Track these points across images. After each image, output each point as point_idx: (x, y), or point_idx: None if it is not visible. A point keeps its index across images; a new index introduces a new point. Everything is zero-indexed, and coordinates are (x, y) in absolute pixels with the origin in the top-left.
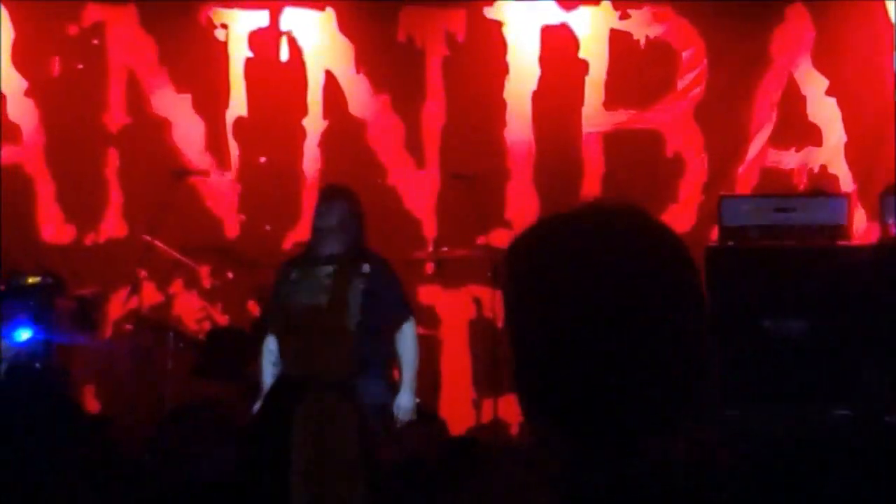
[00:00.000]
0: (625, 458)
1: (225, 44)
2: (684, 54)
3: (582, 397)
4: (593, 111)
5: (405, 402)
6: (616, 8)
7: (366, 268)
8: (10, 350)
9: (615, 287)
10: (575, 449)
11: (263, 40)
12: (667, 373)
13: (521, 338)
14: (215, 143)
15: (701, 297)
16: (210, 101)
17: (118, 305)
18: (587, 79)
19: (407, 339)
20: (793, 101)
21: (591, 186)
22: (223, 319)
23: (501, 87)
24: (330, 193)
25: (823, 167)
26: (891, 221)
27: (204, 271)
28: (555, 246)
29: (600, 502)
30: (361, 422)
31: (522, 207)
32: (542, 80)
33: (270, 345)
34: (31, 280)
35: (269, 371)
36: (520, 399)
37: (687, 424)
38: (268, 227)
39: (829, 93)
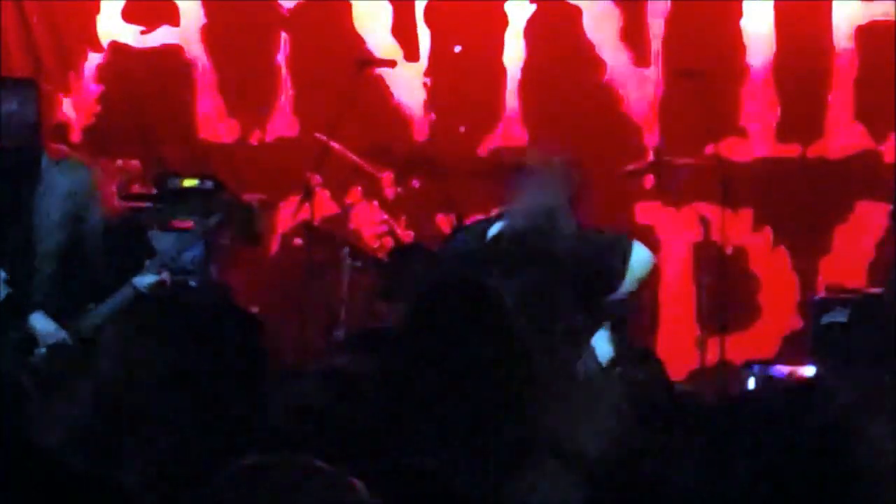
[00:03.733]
0: None
1: None
2: None
3: None
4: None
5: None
6: None
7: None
8: (162, 264)
9: None
10: None
11: None
12: None
13: None
14: (403, 28)
15: None
16: None
17: (287, 216)
18: None
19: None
20: None
21: (841, 88)
22: (407, 235)
23: None
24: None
25: None
26: None
27: (386, 178)
28: None
29: None
30: None
31: (760, 111)
32: None
33: None
34: (187, 183)
35: None
36: None
37: None
38: (462, 129)
39: None
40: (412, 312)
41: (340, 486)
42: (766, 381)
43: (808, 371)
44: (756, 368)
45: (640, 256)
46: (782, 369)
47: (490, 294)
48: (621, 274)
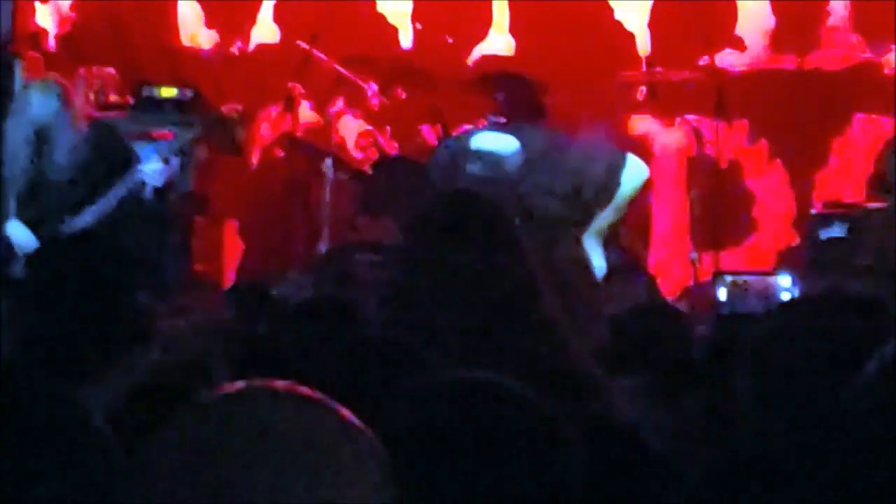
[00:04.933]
0: None
1: None
2: None
3: None
4: None
5: None
6: None
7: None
8: (137, 175)
9: None
10: None
11: None
12: None
13: None
14: None
15: None
16: None
17: (268, 126)
18: None
19: None
20: None
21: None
22: (392, 146)
23: None
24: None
25: None
26: None
27: (371, 88)
28: None
29: None
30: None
31: (757, 21)
32: None
33: None
34: (165, 93)
35: None
36: None
37: None
38: (450, 39)
39: None
40: (414, 225)
41: (325, 414)
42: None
43: (782, 280)
44: (727, 279)
45: (633, 170)
46: (754, 279)
47: (492, 206)
48: (614, 187)
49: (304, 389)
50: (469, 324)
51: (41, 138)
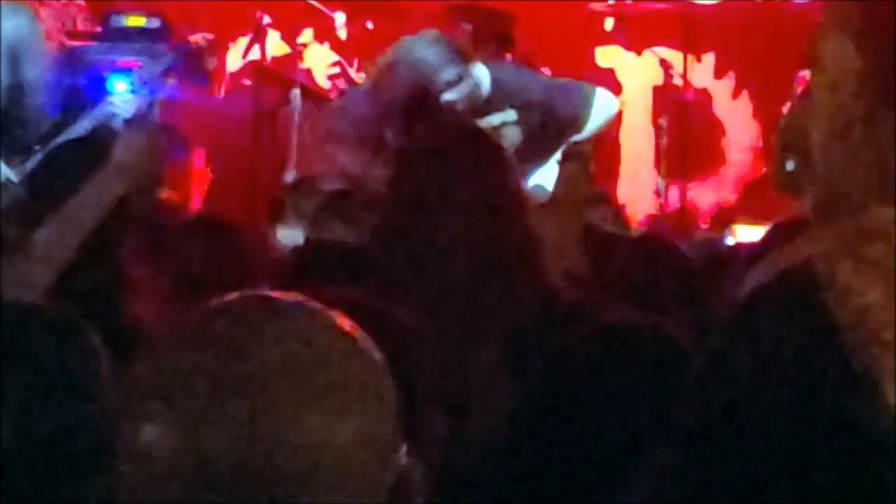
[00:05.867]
0: None
1: None
2: None
3: None
4: None
5: None
6: None
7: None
8: (104, 105)
9: None
10: None
11: None
12: None
13: None
14: None
15: None
16: None
17: (236, 56)
18: None
19: None
20: None
21: None
22: (360, 77)
23: None
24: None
25: None
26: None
27: (339, 18)
28: None
29: None
30: None
31: None
32: None
33: None
34: (132, 22)
35: None
36: None
37: None
38: None
39: None
40: (406, 155)
41: (321, 324)
42: None
43: None
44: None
45: (603, 103)
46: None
47: (484, 133)
48: (583, 120)
49: (297, 299)
50: (458, 255)
51: (15, 59)
